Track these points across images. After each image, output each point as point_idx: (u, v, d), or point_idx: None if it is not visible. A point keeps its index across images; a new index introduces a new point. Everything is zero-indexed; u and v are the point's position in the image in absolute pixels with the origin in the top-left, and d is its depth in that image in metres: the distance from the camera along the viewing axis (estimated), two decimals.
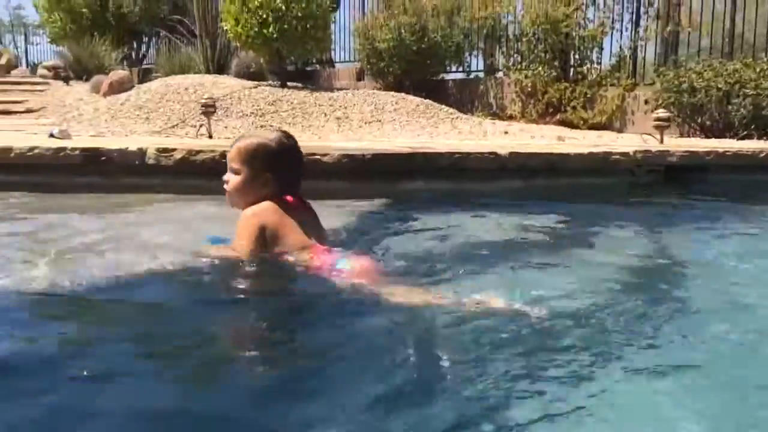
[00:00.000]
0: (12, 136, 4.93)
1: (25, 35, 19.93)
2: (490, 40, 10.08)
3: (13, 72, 14.11)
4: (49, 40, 15.99)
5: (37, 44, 19.30)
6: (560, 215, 3.38)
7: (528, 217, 3.28)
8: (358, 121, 7.50)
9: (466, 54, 10.29)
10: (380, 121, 7.52)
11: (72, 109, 8.41)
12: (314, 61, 11.97)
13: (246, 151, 2.22)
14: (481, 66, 10.47)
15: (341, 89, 9.21)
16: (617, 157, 4.20)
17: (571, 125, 8.24)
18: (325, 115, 7.62)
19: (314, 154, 3.55)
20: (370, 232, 2.97)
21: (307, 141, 6.08)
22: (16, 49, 19.31)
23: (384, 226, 3.07)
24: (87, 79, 10.96)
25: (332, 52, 12.16)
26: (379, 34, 9.60)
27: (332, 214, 3.04)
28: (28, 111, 8.80)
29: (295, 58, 9.81)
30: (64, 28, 13.94)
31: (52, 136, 4.95)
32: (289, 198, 2.21)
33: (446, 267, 2.35)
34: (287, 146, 2.26)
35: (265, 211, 2.14)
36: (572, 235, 3.06)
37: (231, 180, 2.22)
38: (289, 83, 9.06)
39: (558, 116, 8.56)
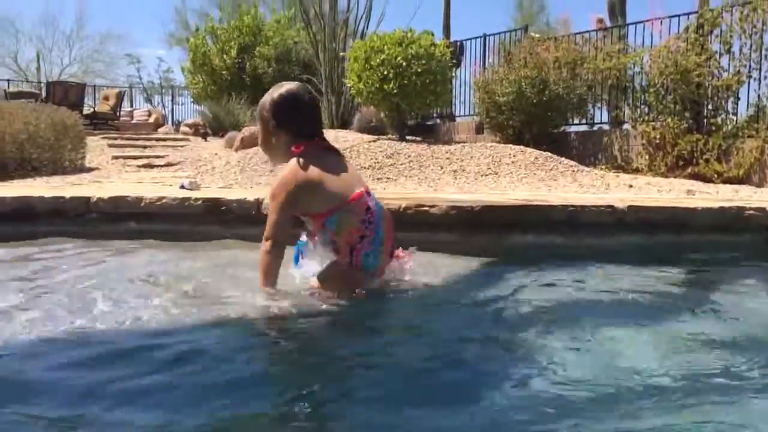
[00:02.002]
0: (148, 187, 5.32)
1: (172, 96, 21.82)
2: (615, 91, 9.79)
3: (160, 129, 15.43)
4: (192, 100, 17.43)
5: (181, 104, 21.12)
6: (684, 274, 3.13)
7: (647, 275, 3.06)
8: (475, 173, 7.45)
9: (590, 106, 10.05)
10: (497, 173, 7.43)
11: (206, 163, 9.01)
12: (434, 114, 12.16)
13: (258, 110, 2.45)
14: (605, 117, 10.18)
15: (460, 143, 9.24)
16: (752, 212, 3.86)
17: (704, 179, 7.73)
18: (442, 167, 7.65)
19: (422, 206, 3.54)
20: (477, 285, 2.89)
21: (422, 193, 6.12)
22: (164, 108, 21.11)
23: (491, 280, 2.98)
24: (223, 136, 11.75)
25: (453, 106, 12.31)
26: (499, 88, 9.59)
27: (438, 266, 3.00)
28: (168, 165, 9.52)
29: (414, 112, 9.99)
30: (205, 88, 15.13)
31: (182, 187, 5.31)
32: (303, 145, 2.32)
33: (553, 321, 2.23)
34: (288, 96, 2.38)
35: (290, 176, 2.27)
36: (694, 297, 2.81)
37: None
38: (408, 137, 9.23)
39: (689, 169, 8.07)
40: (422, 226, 3.48)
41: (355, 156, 7.86)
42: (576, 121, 10.14)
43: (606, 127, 10.00)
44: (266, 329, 2.18)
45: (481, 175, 7.40)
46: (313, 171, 2.25)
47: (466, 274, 3.03)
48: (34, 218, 3.66)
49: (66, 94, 14.70)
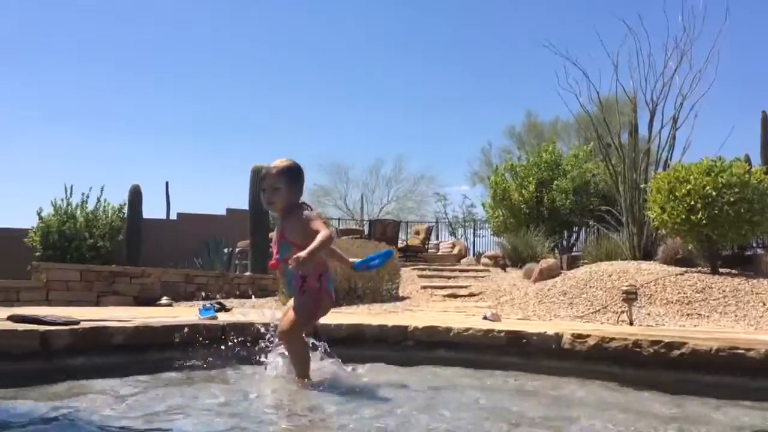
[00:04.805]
0: (453, 317, 5.77)
1: (474, 229, 23.20)
2: None
3: (462, 260, 16.39)
4: (491, 232, 18.36)
5: (482, 236, 22.29)
6: None
7: None
8: None
9: None
10: None
11: (505, 294, 9.36)
12: (755, 244, 11.02)
13: (276, 173, 3.29)
14: None
15: None
16: None
17: None
18: (764, 304, 6.87)
19: (736, 348, 3.30)
20: None
21: (740, 332, 5.58)
22: (466, 240, 22.48)
23: None
24: (521, 267, 12.10)
25: None
26: None
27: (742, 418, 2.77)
28: (471, 295, 10.08)
29: (727, 243, 9.22)
30: (504, 222, 15.88)
31: (485, 318, 5.66)
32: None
33: None
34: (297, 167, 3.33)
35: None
36: None
37: None
38: (721, 269, 8.52)
39: None
40: (736, 371, 3.24)
41: (661, 290, 7.49)
42: None
43: None
44: None
45: None
46: None
47: None
48: (362, 343, 4.25)
49: (384, 230, 16.63)
